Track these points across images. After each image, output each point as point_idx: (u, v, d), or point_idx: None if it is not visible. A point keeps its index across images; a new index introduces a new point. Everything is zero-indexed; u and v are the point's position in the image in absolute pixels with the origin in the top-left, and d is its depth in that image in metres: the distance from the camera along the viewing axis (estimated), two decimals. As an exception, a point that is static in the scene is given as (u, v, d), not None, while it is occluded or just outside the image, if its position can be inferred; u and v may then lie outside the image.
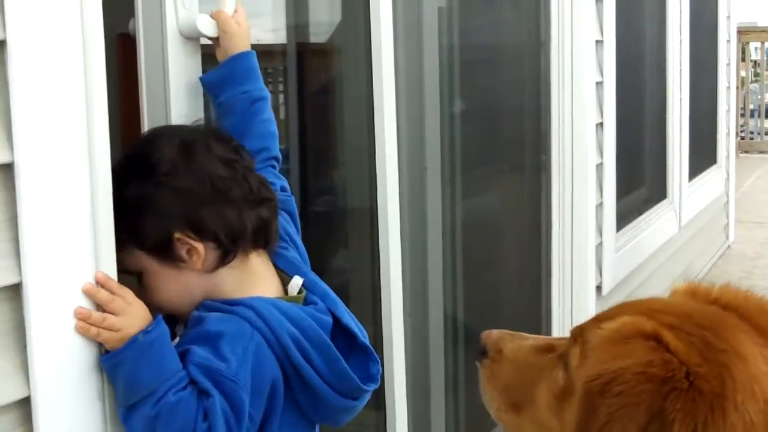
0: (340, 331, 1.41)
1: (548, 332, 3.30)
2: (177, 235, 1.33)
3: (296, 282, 1.42)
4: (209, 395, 1.25)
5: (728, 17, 6.06)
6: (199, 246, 1.33)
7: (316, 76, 2.30)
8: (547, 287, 3.29)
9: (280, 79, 2.21)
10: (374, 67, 2.18)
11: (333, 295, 1.44)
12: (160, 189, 1.33)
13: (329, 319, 1.39)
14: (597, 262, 3.61)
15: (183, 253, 1.34)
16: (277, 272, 1.43)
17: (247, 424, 1.28)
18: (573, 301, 3.44)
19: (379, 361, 1.44)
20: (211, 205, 1.34)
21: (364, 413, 2.43)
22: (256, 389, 1.29)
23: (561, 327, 3.38)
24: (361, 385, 1.40)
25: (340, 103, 2.34)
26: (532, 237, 3.29)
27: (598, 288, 3.64)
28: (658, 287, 4.55)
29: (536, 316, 3.29)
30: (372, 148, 2.22)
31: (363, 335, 1.42)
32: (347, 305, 2.41)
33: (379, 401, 2.32)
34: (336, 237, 2.41)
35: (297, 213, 1.55)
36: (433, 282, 2.51)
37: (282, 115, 2.19)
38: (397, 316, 2.29)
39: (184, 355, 1.28)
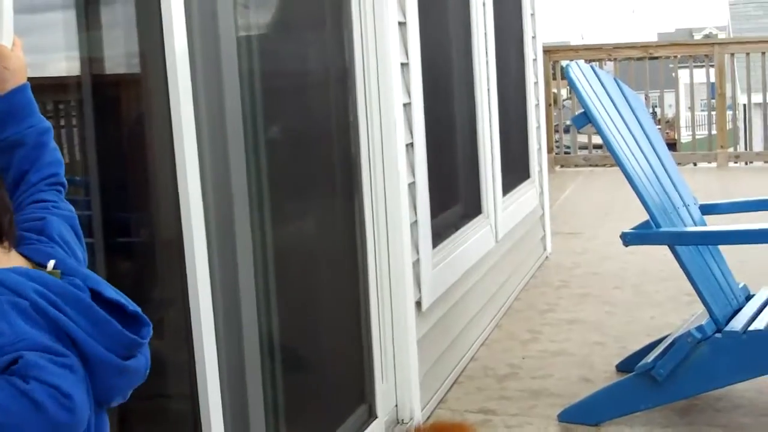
0: (105, 305, 1.38)
1: (369, 349, 3.36)
2: None
3: (50, 264, 1.39)
4: None
5: (533, 37, 6.30)
6: None
7: (114, 110, 2.29)
8: (366, 306, 3.35)
9: (74, 113, 2.20)
10: (171, 99, 2.20)
11: (96, 276, 1.42)
12: None
13: (87, 294, 1.36)
14: (415, 279, 3.70)
15: None
16: (30, 262, 1.40)
17: None
18: (393, 317, 3.52)
19: (152, 324, 1.44)
20: None
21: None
22: None
23: (382, 343, 3.45)
24: (134, 336, 1.38)
25: (140, 136, 2.34)
26: (349, 259, 3.34)
27: (418, 304, 3.73)
28: (480, 299, 4.68)
29: (357, 335, 3.34)
30: (175, 179, 2.23)
31: (132, 305, 1.41)
32: (159, 336, 2.41)
33: (196, 429, 2.32)
34: (142, 269, 2.40)
35: (79, 228, 1.56)
36: (246, 309, 2.53)
37: (79, 148, 2.18)
38: (210, 343, 2.30)
39: None
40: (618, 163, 3.63)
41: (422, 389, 3.67)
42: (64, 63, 2.14)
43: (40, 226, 1.48)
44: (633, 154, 3.78)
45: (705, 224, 4.04)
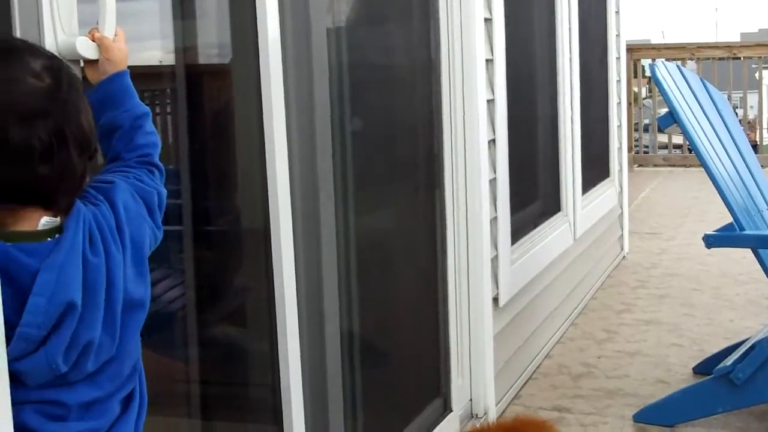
0: None
1: (446, 344, 3.37)
2: None
3: (41, 221, 1.39)
4: None
5: (617, 35, 6.25)
6: None
7: (206, 98, 2.34)
8: (444, 301, 3.36)
9: (169, 101, 2.25)
10: (263, 89, 2.23)
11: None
12: None
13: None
14: (493, 275, 3.70)
15: None
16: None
17: None
18: (471, 313, 3.53)
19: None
20: None
21: (261, 428, 2.47)
22: None
23: (458, 338, 3.46)
24: None
25: (230, 125, 2.38)
26: (428, 253, 3.36)
27: (495, 300, 3.74)
28: (556, 297, 4.67)
29: (434, 329, 3.36)
30: (263, 169, 2.27)
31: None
32: (242, 324, 2.46)
33: (277, 418, 2.36)
34: (229, 257, 2.44)
35: (156, 206, 1.59)
36: (328, 301, 2.56)
37: (172, 137, 2.23)
38: (293, 334, 2.33)
39: None
40: (702, 163, 3.60)
41: (497, 385, 3.68)
42: (159, 52, 2.19)
43: (107, 188, 1.51)
44: (718, 155, 3.74)
45: (789, 228, 3.98)
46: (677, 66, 4.02)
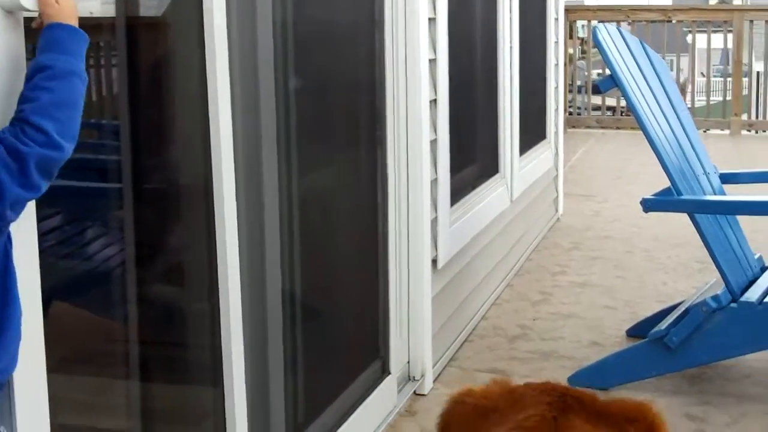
0: None
1: (386, 306, 3.35)
2: None
3: None
4: None
5: (556, -4, 6.24)
6: None
7: (148, 51, 2.27)
8: (384, 263, 3.34)
9: (113, 53, 2.18)
10: (207, 42, 2.17)
11: None
12: None
13: None
14: (433, 237, 3.69)
15: None
16: None
17: None
18: (410, 275, 3.51)
19: None
20: None
21: (201, 390, 2.44)
22: None
23: (397, 300, 3.44)
24: None
25: (172, 79, 2.32)
26: (369, 213, 3.33)
27: (434, 261, 3.72)
28: (493, 259, 4.68)
29: (374, 290, 3.33)
30: (206, 124, 2.21)
31: None
32: (183, 283, 2.41)
33: (216, 378, 2.33)
34: (170, 213, 2.39)
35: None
36: (270, 260, 2.52)
37: (114, 90, 2.17)
38: (235, 291, 2.29)
39: None
40: (642, 128, 3.61)
41: (433, 347, 3.67)
42: (99, 4, 2.12)
43: None
44: (657, 120, 3.75)
45: (724, 193, 4.02)
46: (618, 29, 4.01)
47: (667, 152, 3.64)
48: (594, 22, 3.63)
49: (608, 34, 3.83)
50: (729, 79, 10.34)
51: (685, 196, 3.57)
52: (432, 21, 3.65)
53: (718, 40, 10.53)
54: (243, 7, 2.34)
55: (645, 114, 3.66)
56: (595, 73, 13.13)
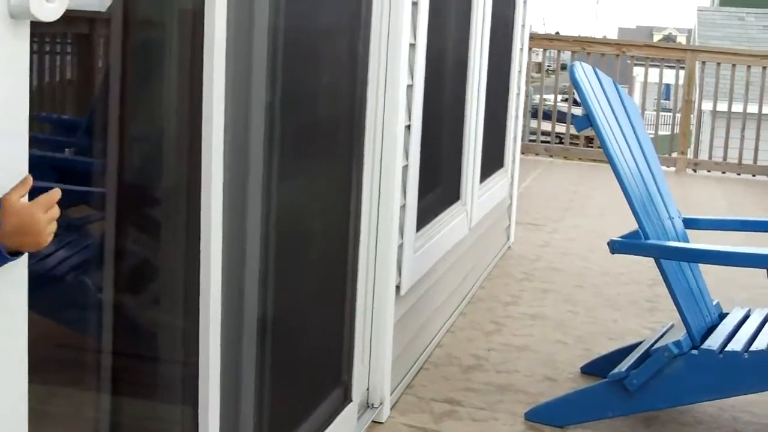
0: None
1: (351, 333, 3.32)
2: None
3: None
4: None
5: (523, 26, 6.27)
6: None
7: (144, 49, 2.23)
8: (352, 287, 3.30)
9: (103, 50, 2.14)
10: (206, 57, 2.12)
11: None
12: None
13: None
14: (398, 263, 3.66)
15: None
16: None
17: None
18: (375, 301, 3.48)
19: None
20: None
21: (174, 408, 2.38)
22: None
23: (363, 326, 3.41)
24: None
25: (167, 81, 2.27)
26: (343, 238, 3.29)
27: (397, 288, 3.70)
28: (449, 286, 4.67)
29: (341, 315, 3.30)
30: (198, 124, 2.15)
31: None
32: (160, 289, 2.35)
33: (190, 397, 2.27)
34: (153, 223, 2.34)
35: None
36: (249, 280, 2.48)
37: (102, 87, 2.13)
38: (215, 315, 2.24)
39: None
40: (614, 170, 3.62)
41: (392, 374, 3.64)
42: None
43: None
44: (627, 164, 3.77)
45: (687, 238, 4.06)
46: (593, 68, 4.03)
47: (636, 196, 3.66)
48: (577, 62, 3.64)
49: (584, 73, 3.85)
50: (678, 114, 10.51)
51: (652, 241, 3.60)
52: (412, 47, 3.63)
53: (669, 75, 10.71)
54: (241, 24, 2.29)
55: (617, 157, 3.67)
56: (545, 99, 13.22)
